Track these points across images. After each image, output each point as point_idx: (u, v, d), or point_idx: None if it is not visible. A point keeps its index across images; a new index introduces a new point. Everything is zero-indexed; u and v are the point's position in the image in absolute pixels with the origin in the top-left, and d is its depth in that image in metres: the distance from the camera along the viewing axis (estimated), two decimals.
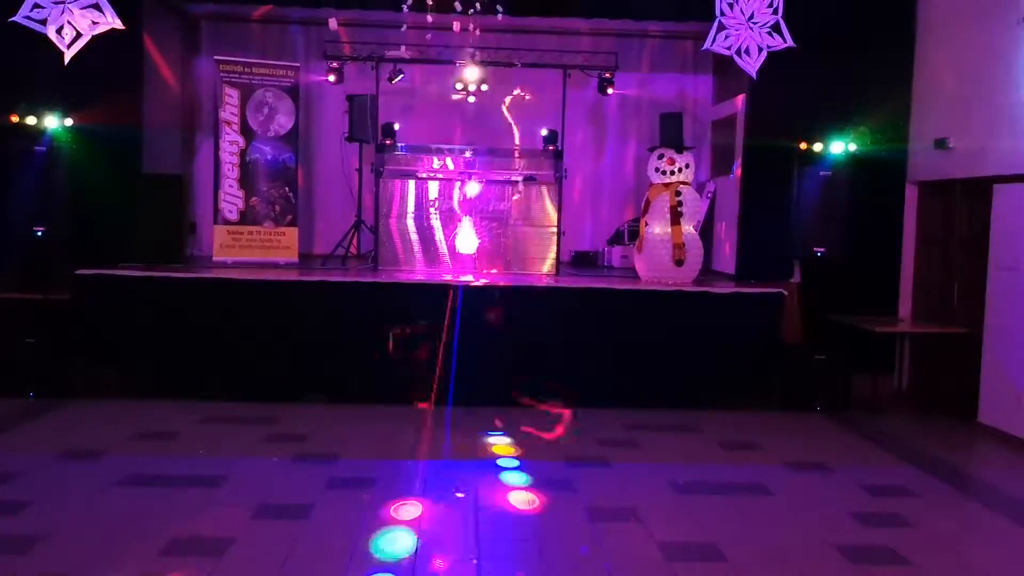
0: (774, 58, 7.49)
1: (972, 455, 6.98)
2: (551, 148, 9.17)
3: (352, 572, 4.18)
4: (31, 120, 7.61)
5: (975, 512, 5.65)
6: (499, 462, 6.05)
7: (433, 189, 8.95)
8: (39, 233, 7.45)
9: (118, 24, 6.92)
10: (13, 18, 6.75)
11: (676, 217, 8.35)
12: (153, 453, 6.05)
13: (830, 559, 4.55)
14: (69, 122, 7.70)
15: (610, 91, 9.93)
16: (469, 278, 8.20)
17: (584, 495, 5.43)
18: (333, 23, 8.52)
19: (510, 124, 10.36)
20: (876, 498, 5.57)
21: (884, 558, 4.57)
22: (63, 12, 6.68)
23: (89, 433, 6.52)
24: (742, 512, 5.23)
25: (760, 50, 7.23)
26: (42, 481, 5.36)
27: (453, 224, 8.94)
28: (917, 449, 6.82)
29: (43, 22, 6.74)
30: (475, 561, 4.35)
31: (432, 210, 8.93)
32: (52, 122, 7.64)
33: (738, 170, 9.15)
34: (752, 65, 7.27)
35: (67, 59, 6.67)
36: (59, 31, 6.69)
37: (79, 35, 6.72)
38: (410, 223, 8.93)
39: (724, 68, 9.63)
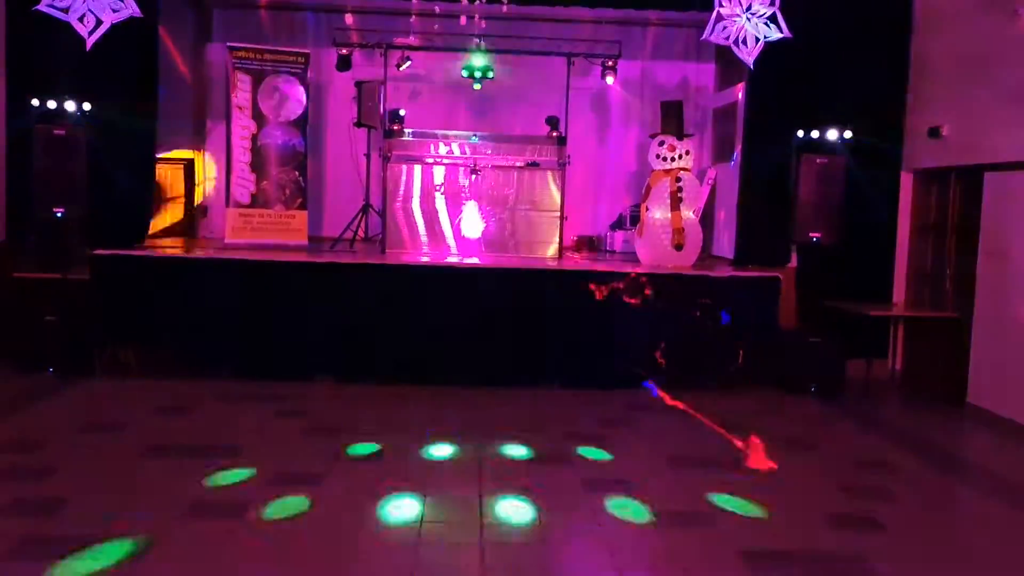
0: (773, 48, 7.69)
1: (959, 435, 7.21)
2: (555, 134, 9.37)
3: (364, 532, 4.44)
4: (51, 104, 7.83)
5: (954, 486, 5.89)
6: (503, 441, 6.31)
7: (439, 174, 9.17)
8: (59, 215, 7.67)
9: (137, 12, 7.15)
10: (37, 6, 6.98)
11: (676, 203, 8.56)
12: (172, 426, 6.32)
13: (814, 525, 4.80)
14: (87, 107, 7.92)
15: (612, 79, 10.12)
16: (475, 261, 8.43)
17: (581, 470, 5.67)
18: (349, 18, 8.73)
19: (515, 111, 10.55)
20: (863, 473, 5.81)
21: (864, 525, 4.82)
22: (85, 1, 6.91)
23: (109, 407, 6.79)
24: (733, 485, 5.48)
25: (757, 40, 7.43)
26: (66, 451, 5.62)
27: (459, 208, 9.16)
28: (906, 429, 7.07)
29: (65, 10, 6.99)
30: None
31: (438, 194, 9.14)
32: (71, 107, 7.86)
33: (738, 157, 9.36)
34: (749, 55, 7.47)
35: (89, 46, 6.90)
36: (81, 19, 6.93)
37: (100, 23, 6.95)
38: (417, 207, 9.15)
39: (726, 56, 9.79)
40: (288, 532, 4.46)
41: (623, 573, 4.12)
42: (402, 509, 4.79)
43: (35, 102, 7.84)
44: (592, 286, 7.85)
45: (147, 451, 5.66)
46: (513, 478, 5.42)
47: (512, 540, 4.49)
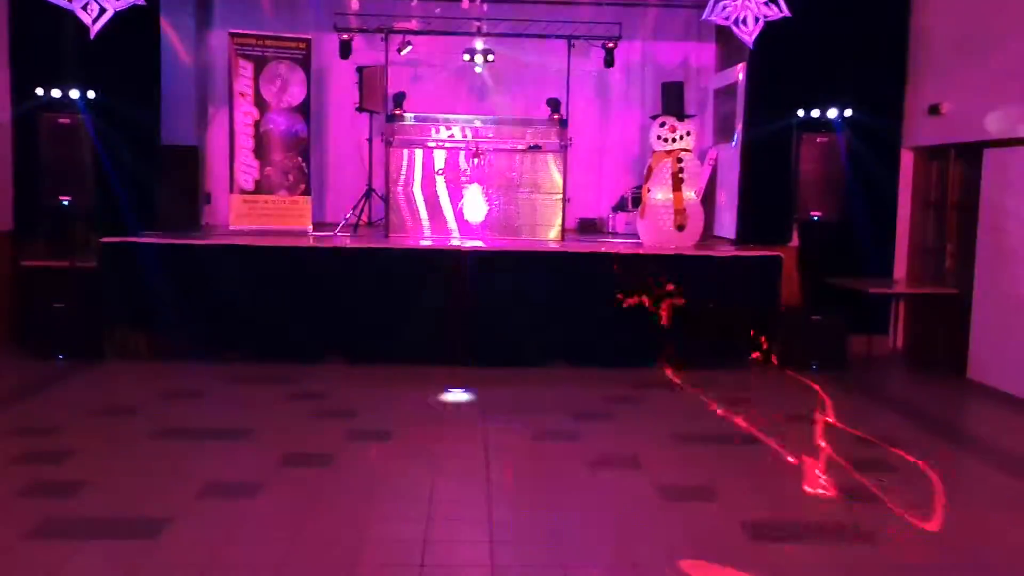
0: (773, 27, 7.72)
1: (958, 408, 7.30)
2: (556, 117, 9.41)
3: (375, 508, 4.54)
4: (56, 94, 7.88)
5: (952, 456, 5.97)
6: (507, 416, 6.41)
7: (441, 158, 9.21)
8: (65, 203, 7.75)
9: (140, 0, 7.19)
10: None
11: (677, 183, 8.61)
12: (183, 409, 6.42)
13: (813, 496, 4.90)
14: (92, 95, 7.97)
15: (613, 60, 10.14)
16: (478, 244, 8.50)
17: (587, 445, 5.77)
18: (350, 2, 8.76)
19: (516, 93, 10.59)
20: (863, 446, 5.90)
21: (863, 495, 4.91)
22: None
23: (120, 391, 6.90)
24: (736, 458, 5.58)
25: (757, 20, 7.46)
26: (80, 434, 5.71)
27: (461, 192, 9.21)
28: (907, 403, 7.16)
29: None
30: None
31: (440, 178, 9.19)
32: (75, 95, 7.91)
33: (739, 137, 9.40)
34: (749, 35, 7.50)
35: (93, 34, 6.95)
36: (85, 7, 6.97)
37: (103, 11, 7.00)
38: (419, 191, 9.20)
39: (727, 36, 9.81)
40: (301, 510, 4.56)
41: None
42: (412, 485, 4.90)
43: (40, 91, 7.89)
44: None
45: (160, 433, 5.76)
46: (519, 453, 5.53)
47: (520, 516, 4.59)
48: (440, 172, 9.17)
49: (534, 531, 4.37)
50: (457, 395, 7.04)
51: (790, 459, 5.58)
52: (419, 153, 9.19)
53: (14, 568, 3.81)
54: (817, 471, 5.35)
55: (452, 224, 9.21)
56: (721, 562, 4.02)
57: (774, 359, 8.18)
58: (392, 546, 4.13)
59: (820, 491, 5.02)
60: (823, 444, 5.93)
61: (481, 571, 3.88)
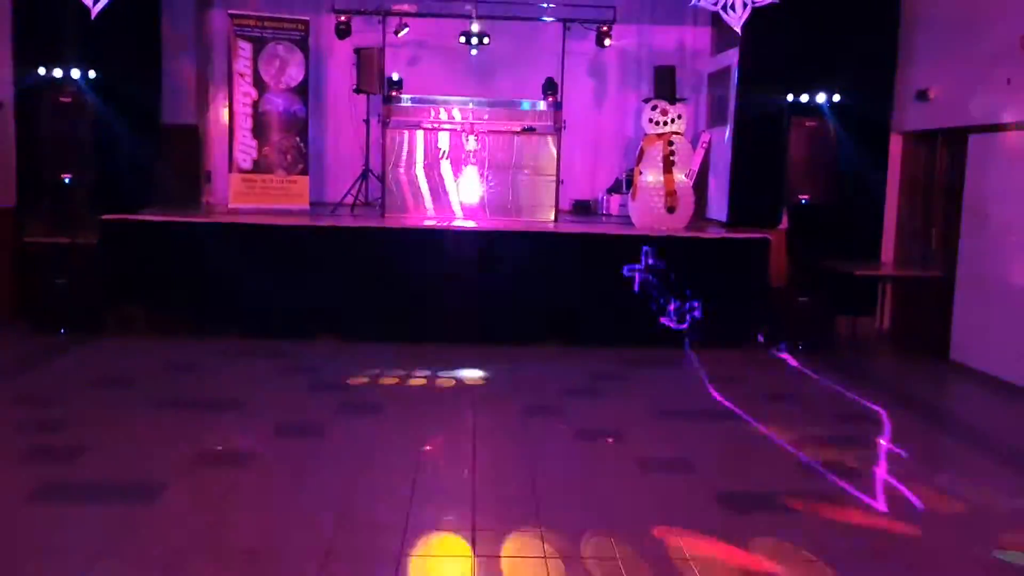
0: (763, 12, 7.82)
1: (938, 388, 7.47)
2: (551, 99, 9.52)
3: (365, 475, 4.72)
4: (58, 73, 8.02)
5: (928, 433, 6.15)
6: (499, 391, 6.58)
7: (437, 139, 9.33)
8: (67, 180, 7.90)
9: None
10: None
11: (668, 166, 8.74)
12: (180, 381, 6.60)
13: (787, 469, 5.08)
14: (93, 75, 8.11)
15: (608, 43, 10.24)
16: (473, 224, 8.65)
17: (575, 421, 5.94)
18: None
19: (512, 76, 10.70)
20: (843, 423, 6.07)
21: (837, 470, 5.08)
22: None
23: (119, 364, 7.07)
24: (718, 433, 5.75)
25: (745, 5, 7.56)
26: (80, 404, 5.89)
27: (457, 173, 9.34)
28: (889, 383, 7.32)
29: None
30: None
31: (437, 159, 9.32)
32: (77, 75, 8.05)
33: (731, 121, 9.52)
34: (737, 20, 7.61)
35: (94, 14, 7.07)
36: None
37: None
38: (416, 172, 9.32)
39: (721, 21, 9.89)
40: (292, 478, 4.73)
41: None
42: (403, 453, 5.08)
43: (42, 70, 8.03)
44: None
45: (157, 404, 5.94)
46: (507, 426, 5.71)
47: (505, 477, 4.77)
48: (436, 153, 9.29)
49: (516, 499, 4.54)
50: (450, 372, 7.19)
51: (768, 434, 5.75)
52: (416, 134, 9.31)
53: (17, 529, 4.00)
54: (792, 447, 5.51)
55: (447, 205, 9.34)
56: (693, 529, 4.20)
57: (761, 339, 8.34)
58: (379, 507, 4.32)
59: (794, 464, 5.19)
60: (802, 421, 6.09)
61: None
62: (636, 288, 8.18)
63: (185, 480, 4.62)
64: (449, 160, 9.30)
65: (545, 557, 3.86)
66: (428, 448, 5.26)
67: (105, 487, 4.49)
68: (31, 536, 3.93)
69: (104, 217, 8.09)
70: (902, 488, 4.82)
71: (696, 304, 8.23)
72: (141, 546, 3.86)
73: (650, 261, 8.15)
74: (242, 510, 4.34)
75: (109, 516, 4.15)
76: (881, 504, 4.61)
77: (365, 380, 6.80)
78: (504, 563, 3.81)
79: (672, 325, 8.23)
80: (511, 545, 3.98)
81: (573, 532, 4.10)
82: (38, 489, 4.41)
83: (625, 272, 8.17)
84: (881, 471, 5.09)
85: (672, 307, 8.22)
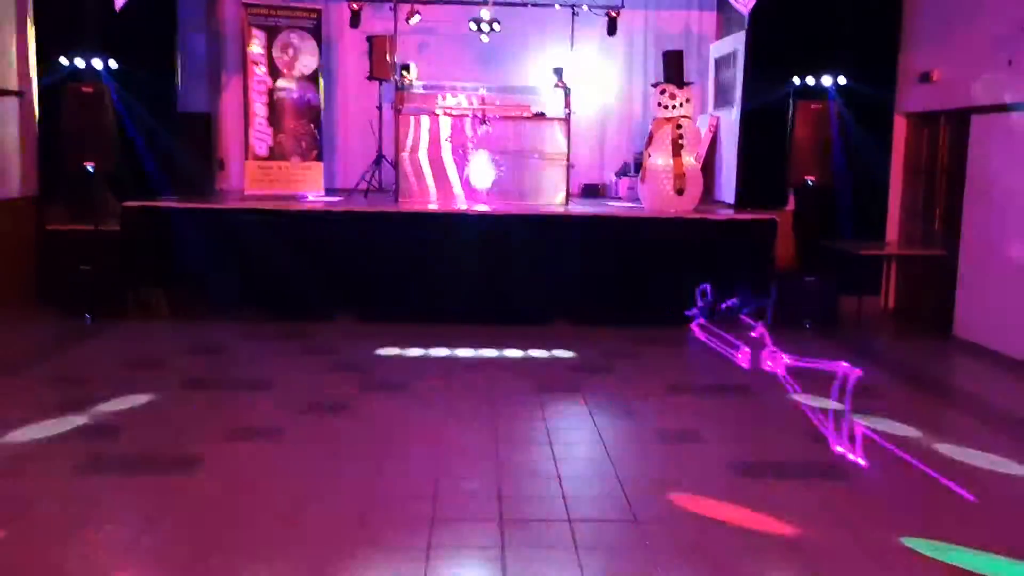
0: None
1: (942, 363, 7.64)
2: (560, 84, 9.68)
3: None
4: (79, 63, 8.21)
5: (928, 404, 6.35)
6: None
7: (449, 125, 9.49)
8: (89, 168, 8.09)
9: None
10: None
11: (677, 149, 8.90)
12: (205, 362, 6.82)
13: (793, 438, 5.30)
14: (113, 64, 8.29)
15: (617, 28, 10.38)
16: (485, 208, 8.83)
17: (588, 396, 6.15)
18: None
19: (522, 62, 10.85)
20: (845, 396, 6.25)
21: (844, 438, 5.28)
22: None
23: (145, 347, 7.28)
24: (725, 407, 5.97)
25: None
26: (111, 384, 6.10)
27: (468, 158, 9.50)
28: (894, 358, 7.51)
29: None
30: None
31: (448, 145, 9.48)
32: (98, 65, 8.23)
33: (738, 104, 9.67)
34: (745, 5, 7.76)
35: (118, 7, 7.25)
36: None
37: None
38: (427, 158, 9.49)
39: (728, 6, 10.03)
40: (323, 450, 4.96)
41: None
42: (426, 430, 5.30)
43: (64, 61, 8.22)
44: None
45: (186, 384, 6.16)
46: (524, 403, 5.93)
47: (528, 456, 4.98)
48: (448, 139, 9.44)
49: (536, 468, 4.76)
50: (467, 352, 7.39)
51: (777, 407, 5.95)
52: (427, 120, 9.47)
53: (64, 499, 4.22)
54: (800, 418, 5.71)
55: (459, 189, 9.51)
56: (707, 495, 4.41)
57: (769, 318, 8.51)
58: (403, 479, 4.54)
59: (802, 434, 5.40)
60: (808, 394, 6.29)
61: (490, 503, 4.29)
62: (645, 269, 8.35)
63: (219, 454, 4.84)
64: (460, 146, 9.45)
65: (570, 520, 4.07)
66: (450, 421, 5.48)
67: (145, 459, 4.72)
68: (85, 504, 4.15)
69: (125, 204, 8.29)
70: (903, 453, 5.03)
71: (705, 284, 8.40)
72: (190, 512, 4.10)
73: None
74: (275, 479, 4.55)
75: (152, 485, 4.38)
76: (883, 470, 4.82)
77: (383, 359, 7.01)
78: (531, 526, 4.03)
79: (682, 305, 8.40)
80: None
81: (592, 497, 4.31)
82: (85, 462, 4.63)
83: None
84: (883, 438, 5.29)
85: (681, 288, 8.39)
